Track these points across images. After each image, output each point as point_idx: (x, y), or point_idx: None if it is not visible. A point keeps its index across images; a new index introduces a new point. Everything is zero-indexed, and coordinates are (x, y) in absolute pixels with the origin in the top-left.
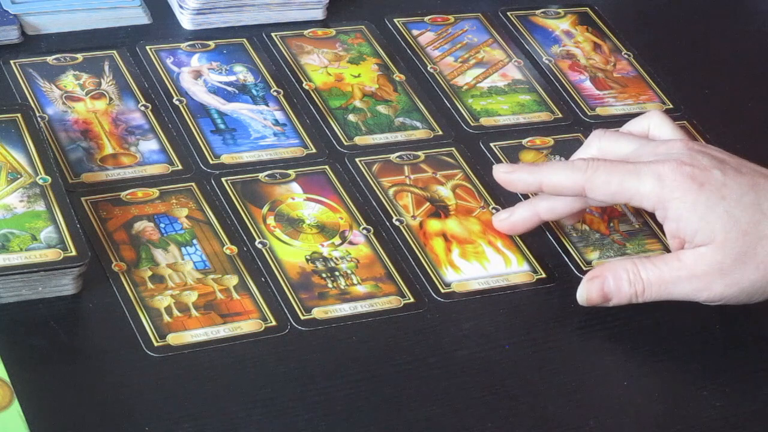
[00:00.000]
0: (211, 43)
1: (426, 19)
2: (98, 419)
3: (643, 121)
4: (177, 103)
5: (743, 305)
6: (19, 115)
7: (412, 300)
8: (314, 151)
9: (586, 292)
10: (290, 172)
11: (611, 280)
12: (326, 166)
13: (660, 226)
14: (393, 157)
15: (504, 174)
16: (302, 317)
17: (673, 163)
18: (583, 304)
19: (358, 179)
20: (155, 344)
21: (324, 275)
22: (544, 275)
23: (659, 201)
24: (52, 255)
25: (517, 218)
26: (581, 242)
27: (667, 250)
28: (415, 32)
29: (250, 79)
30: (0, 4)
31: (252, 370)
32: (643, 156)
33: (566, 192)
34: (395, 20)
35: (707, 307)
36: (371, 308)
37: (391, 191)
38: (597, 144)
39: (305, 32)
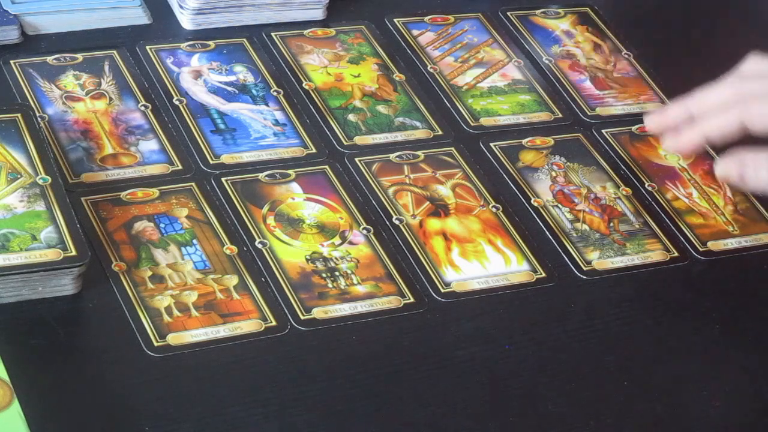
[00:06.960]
0: (211, 43)
1: (426, 19)
2: (98, 419)
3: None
4: (177, 103)
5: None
6: (19, 115)
7: (412, 300)
8: (314, 151)
9: (724, 168)
10: (290, 172)
11: (751, 162)
12: (326, 166)
13: (662, 227)
14: (392, 156)
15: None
16: (302, 317)
17: None
18: (720, 178)
19: (358, 179)
20: (155, 344)
21: (324, 275)
22: (544, 275)
23: None
24: (52, 255)
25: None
26: (581, 242)
27: (667, 251)
28: (415, 32)
29: (250, 79)
30: (0, 4)
31: (252, 370)
32: None
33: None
34: (395, 20)
35: (707, 307)
36: (371, 308)
37: (390, 191)
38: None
39: (305, 32)
